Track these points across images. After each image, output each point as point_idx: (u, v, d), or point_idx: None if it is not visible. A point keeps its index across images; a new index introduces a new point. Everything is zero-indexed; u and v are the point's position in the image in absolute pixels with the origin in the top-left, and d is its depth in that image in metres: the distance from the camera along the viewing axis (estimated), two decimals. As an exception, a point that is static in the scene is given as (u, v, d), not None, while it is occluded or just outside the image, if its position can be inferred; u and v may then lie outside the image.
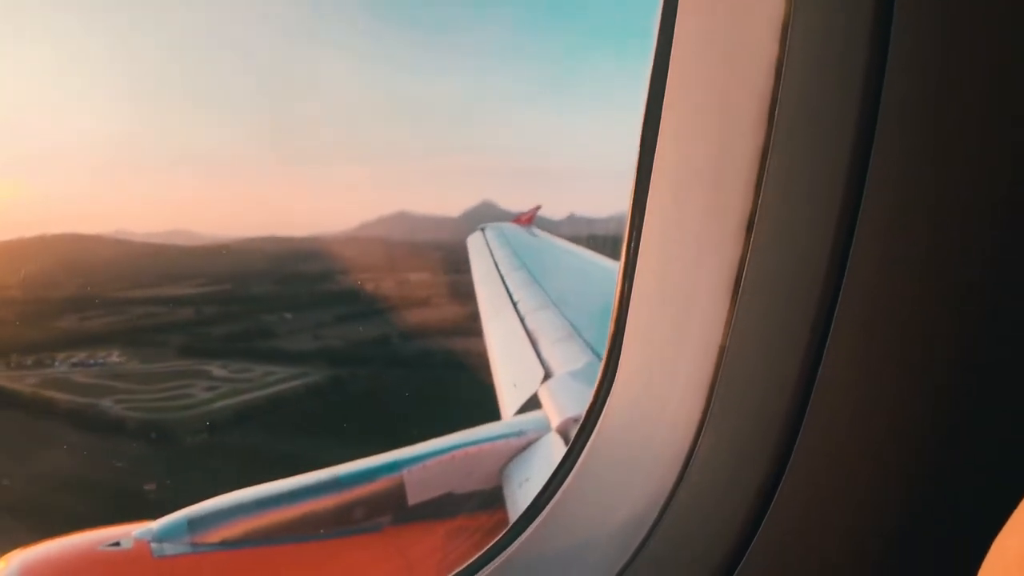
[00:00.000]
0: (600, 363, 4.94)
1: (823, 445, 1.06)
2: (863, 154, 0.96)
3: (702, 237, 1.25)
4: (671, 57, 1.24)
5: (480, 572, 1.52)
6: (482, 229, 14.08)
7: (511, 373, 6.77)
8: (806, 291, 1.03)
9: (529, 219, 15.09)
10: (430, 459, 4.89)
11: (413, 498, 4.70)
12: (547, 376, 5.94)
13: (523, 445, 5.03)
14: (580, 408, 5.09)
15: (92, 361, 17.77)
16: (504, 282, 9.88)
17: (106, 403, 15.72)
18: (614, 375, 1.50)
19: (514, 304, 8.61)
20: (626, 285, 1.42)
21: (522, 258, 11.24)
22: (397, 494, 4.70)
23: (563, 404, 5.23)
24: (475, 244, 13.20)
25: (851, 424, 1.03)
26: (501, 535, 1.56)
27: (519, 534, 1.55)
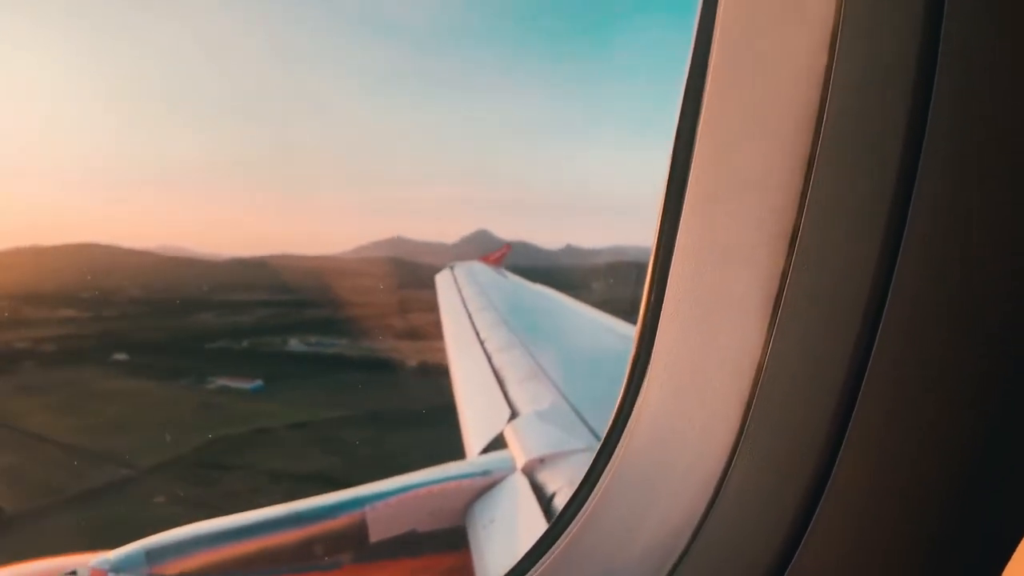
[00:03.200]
0: (563, 400, 4.94)
1: (863, 471, 1.03)
2: (911, 167, 0.94)
3: (741, 250, 1.19)
4: (710, 62, 1.18)
5: None
6: (451, 267, 14.09)
7: (477, 412, 6.75)
8: (849, 309, 1.00)
9: (498, 259, 15.14)
10: (393, 496, 4.84)
11: (375, 535, 4.64)
12: (513, 415, 5.94)
13: (488, 485, 5.00)
14: (546, 448, 5.09)
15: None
16: (471, 320, 9.88)
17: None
18: (638, 391, 1.41)
19: (481, 343, 8.61)
20: (655, 297, 1.34)
21: (490, 297, 11.26)
22: (358, 531, 4.64)
23: (529, 444, 5.22)
24: (443, 282, 13.20)
25: (893, 447, 1.00)
26: (518, 563, 1.49)
27: (534, 564, 1.48)
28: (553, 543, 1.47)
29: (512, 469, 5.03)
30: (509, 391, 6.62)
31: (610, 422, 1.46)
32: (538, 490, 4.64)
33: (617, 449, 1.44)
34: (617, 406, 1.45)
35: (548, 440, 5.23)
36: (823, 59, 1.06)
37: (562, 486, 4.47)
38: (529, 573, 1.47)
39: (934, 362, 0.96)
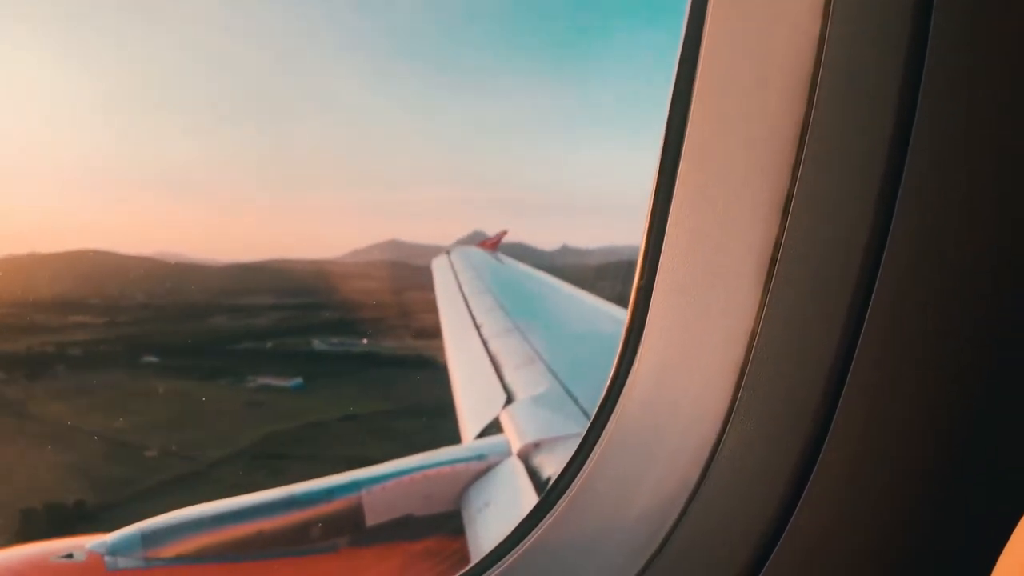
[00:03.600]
0: (559, 385, 4.94)
1: (855, 439, 1.03)
2: (903, 136, 0.94)
3: (735, 219, 1.19)
4: (704, 30, 1.18)
5: (490, 570, 1.46)
6: (447, 252, 14.06)
7: (473, 396, 6.76)
8: (842, 277, 1.00)
9: (494, 244, 15.12)
10: (389, 480, 4.86)
11: (371, 519, 4.67)
12: (509, 400, 5.95)
13: (483, 469, 5.03)
14: (542, 433, 5.11)
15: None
16: (468, 306, 9.89)
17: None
18: (632, 361, 1.40)
19: (477, 328, 8.62)
20: (648, 267, 1.34)
21: (486, 282, 11.26)
22: (355, 515, 4.66)
23: (524, 429, 5.24)
24: (440, 267, 13.18)
25: (884, 418, 1.01)
26: (510, 533, 1.49)
27: (528, 532, 1.47)
28: (550, 509, 1.47)
29: (507, 454, 5.05)
30: (505, 376, 6.64)
31: (605, 390, 1.46)
32: (533, 474, 4.66)
33: (611, 418, 1.44)
34: (611, 375, 1.45)
35: (543, 425, 5.25)
36: (817, 26, 1.06)
37: (557, 470, 4.48)
38: (526, 539, 1.47)
39: (927, 330, 0.97)
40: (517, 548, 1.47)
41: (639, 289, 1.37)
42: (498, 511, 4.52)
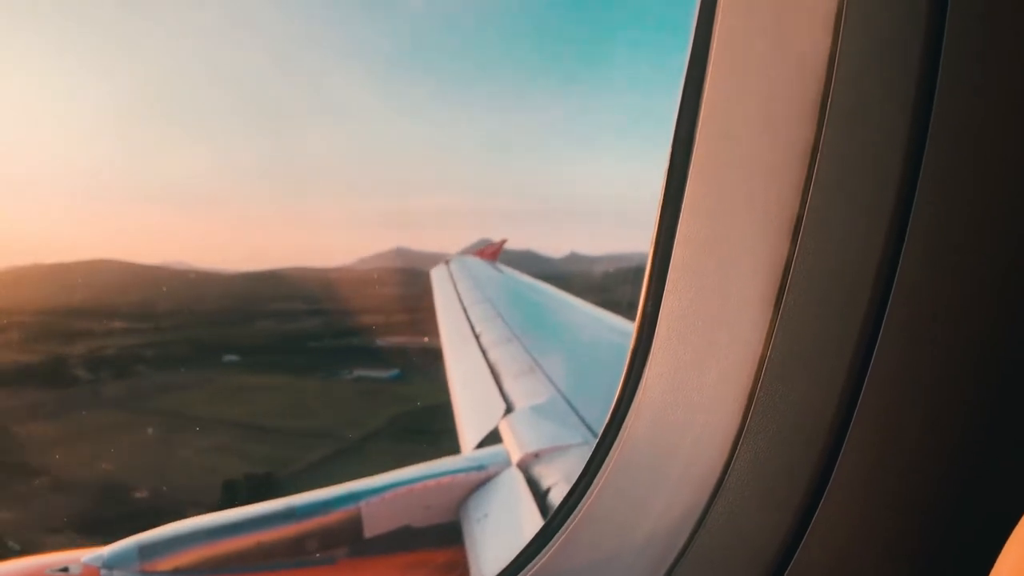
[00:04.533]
0: (559, 395, 4.91)
1: (866, 462, 1.02)
2: (916, 153, 0.93)
3: (744, 238, 1.17)
4: (711, 46, 1.15)
5: None
6: (446, 262, 14.06)
7: (472, 406, 6.74)
8: (853, 299, 0.99)
9: (494, 253, 15.10)
10: (388, 491, 4.83)
11: (370, 531, 4.63)
12: (508, 410, 5.93)
13: (483, 479, 5.00)
14: (541, 443, 5.08)
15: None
16: (467, 315, 9.87)
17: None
18: (639, 381, 1.38)
19: (476, 337, 8.60)
20: (655, 286, 1.32)
21: (485, 291, 11.24)
22: (353, 526, 4.63)
23: (524, 439, 5.21)
24: (439, 276, 13.17)
25: (896, 437, 1.00)
26: (515, 558, 1.48)
27: (534, 556, 1.46)
28: (554, 534, 1.45)
29: (507, 464, 5.03)
30: (504, 386, 6.61)
31: (610, 412, 1.44)
32: (533, 485, 4.63)
33: (617, 440, 1.42)
34: (617, 396, 1.43)
35: (543, 435, 5.23)
36: (826, 45, 1.04)
37: (557, 481, 4.47)
38: (530, 564, 1.45)
39: (938, 351, 0.95)
40: (524, 572, 1.45)
41: (645, 309, 1.35)
42: (498, 522, 4.49)
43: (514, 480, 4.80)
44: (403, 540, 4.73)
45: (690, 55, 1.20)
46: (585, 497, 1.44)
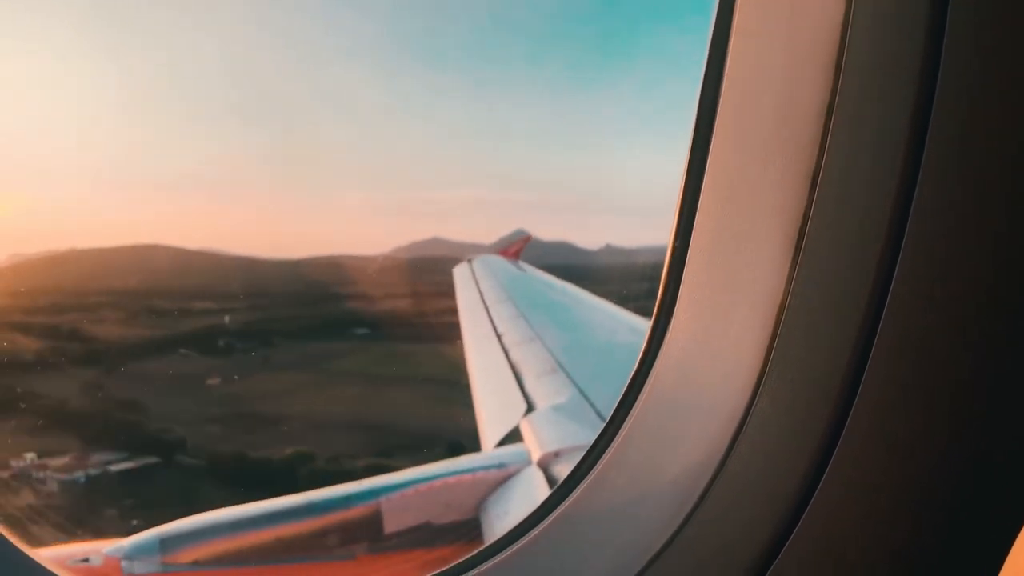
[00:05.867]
0: (580, 394, 4.87)
1: (881, 406, 1.05)
2: (925, 111, 0.97)
3: (764, 192, 1.22)
4: (734, 11, 1.21)
5: (521, 539, 1.49)
6: (469, 261, 14.08)
7: (494, 405, 6.74)
8: (868, 246, 1.03)
9: (516, 252, 15.10)
10: (409, 488, 4.84)
11: (390, 527, 4.64)
12: (530, 409, 5.92)
13: (503, 477, 4.99)
14: (561, 442, 5.07)
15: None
16: (489, 314, 9.88)
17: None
18: (664, 331, 1.44)
19: (498, 336, 8.60)
20: (679, 245, 1.37)
21: (508, 291, 11.24)
22: (373, 522, 4.64)
23: (545, 438, 5.20)
24: (461, 275, 13.19)
25: (911, 384, 1.03)
26: (541, 503, 1.52)
27: (564, 498, 1.51)
28: (583, 478, 1.50)
29: (527, 462, 5.02)
30: (526, 385, 6.61)
31: (637, 361, 1.48)
32: (553, 483, 4.61)
33: (644, 387, 1.47)
34: (644, 345, 1.48)
35: (564, 434, 5.21)
36: (840, 11, 1.09)
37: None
38: (561, 505, 1.49)
39: (951, 297, 0.99)
40: (545, 520, 1.49)
41: (671, 260, 1.40)
42: (517, 519, 4.47)
43: (534, 478, 4.79)
44: (422, 537, 4.73)
45: (713, 26, 1.25)
46: (615, 439, 1.49)
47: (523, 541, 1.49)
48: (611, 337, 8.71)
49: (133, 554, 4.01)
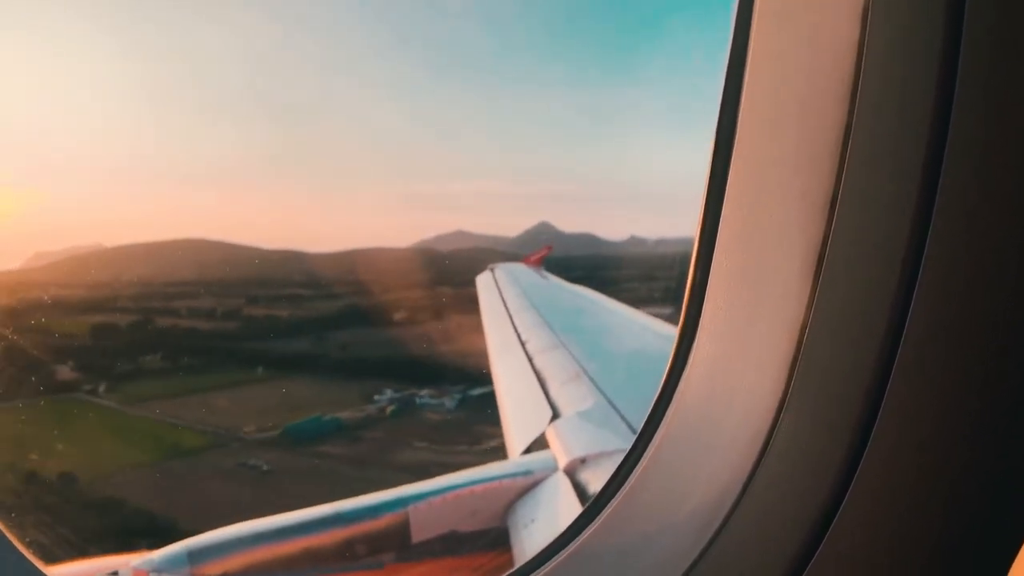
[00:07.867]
0: (606, 400, 4.86)
1: (903, 428, 1.06)
2: (941, 134, 0.98)
3: (784, 217, 1.25)
4: (750, 38, 1.24)
5: (550, 561, 1.51)
6: (491, 269, 14.09)
7: (519, 412, 6.72)
8: (886, 272, 1.05)
9: (539, 260, 15.11)
10: (436, 496, 4.83)
11: (417, 535, 4.63)
12: (555, 416, 5.89)
13: (529, 485, 4.97)
14: (588, 449, 5.04)
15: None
16: (512, 322, 9.86)
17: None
18: (687, 355, 1.46)
19: (522, 344, 8.58)
20: (701, 265, 1.40)
21: (531, 298, 11.23)
22: (401, 531, 4.64)
23: (570, 444, 5.17)
24: (484, 283, 13.20)
25: (931, 405, 1.04)
26: (572, 522, 1.54)
27: (591, 521, 1.53)
28: (610, 499, 1.52)
29: (554, 469, 4.99)
30: (551, 392, 6.58)
31: (662, 382, 1.51)
32: (579, 490, 4.59)
33: (669, 408, 1.49)
34: (668, 367, 1.50)
35: (590, 440, 5.18)
36: (856, 34, 1.11)
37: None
38: (588, 528, 1.51)
39: (969, 322, 1.00)
40: (572, 543, 1.51)
41: (693, 284, 1.42)
42: (544, 527, 4.45)
43: (561, 485, 4.76)
44: (450, 545, 4.72)
45: (731, 44, 1.28)
46: (641, 461, 1.51)
47: (550, 566, 1.51)
48: (635, 343, 8.68)
49: (162, 567, 4.03)
